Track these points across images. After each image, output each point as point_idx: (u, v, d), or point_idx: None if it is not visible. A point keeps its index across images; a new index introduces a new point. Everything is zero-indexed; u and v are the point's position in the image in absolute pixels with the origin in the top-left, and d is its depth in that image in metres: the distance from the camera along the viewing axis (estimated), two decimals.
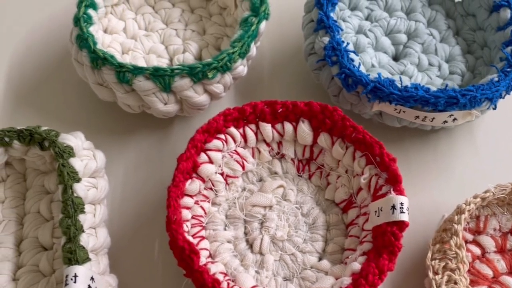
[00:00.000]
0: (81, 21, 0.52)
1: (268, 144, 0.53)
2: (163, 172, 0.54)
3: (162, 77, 0.49)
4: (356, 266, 0.44)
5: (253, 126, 0.52)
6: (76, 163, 0.46)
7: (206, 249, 0.47)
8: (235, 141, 0.51)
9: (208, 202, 0.50)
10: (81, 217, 0.44)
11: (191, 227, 0.48)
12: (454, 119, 0.51)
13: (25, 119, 0.57)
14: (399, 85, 0.50)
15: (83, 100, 0.58)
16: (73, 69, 0.58)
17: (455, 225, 0.46)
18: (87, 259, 0.42)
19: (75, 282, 0.41)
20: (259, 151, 0.53)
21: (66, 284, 0.41)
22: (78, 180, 0.46)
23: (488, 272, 0.47)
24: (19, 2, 0.65)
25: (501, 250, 0.48)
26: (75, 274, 0.41)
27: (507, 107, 0.57)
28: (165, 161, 0.55)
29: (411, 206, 0.47)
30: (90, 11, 0.54)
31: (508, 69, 0.52)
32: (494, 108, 0.52)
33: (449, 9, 0.61)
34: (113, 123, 0.56)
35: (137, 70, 0.49)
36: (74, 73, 0.58)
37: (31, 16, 0.64)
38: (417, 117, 0.51)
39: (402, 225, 0.44)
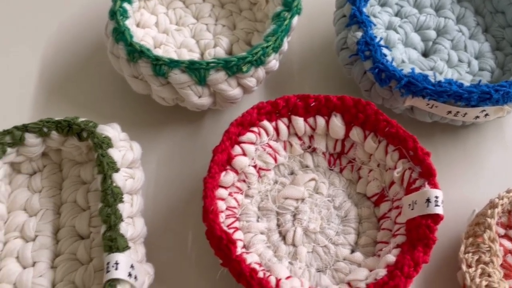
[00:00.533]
0: (117, 14, 0.53)
1: (299, 138, 0.53)
2: (195, 164, 0.55)
3: (197, 70, 0.50)
4: (391, 258, 0.45)
5: (285, 120, 0.52)
6: (114, 153, 0.47)
7: (240, 240, 0.48)
8: (268, 134, 0.52)
9: (241, 194, 0.51)
10: (120, 206, 0.45)
11: (225, 218, 0.48)
12: (486, 115, 0.51)
13: (59, 112, 0.58)
14: (433, 80, 0.50)
15: (115, 93, 0.59)
16: (105, 63, 0.59)
17: (488, 219, 0.46)
18: (127, 247, 0.43)
19: (116, 269, 0.41)
20: (291, 145, 0.53)
21: (108, 271, 0.41)
22: (117, 170, 0.47)
23: None
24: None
25: None
26: (116, 261, 0.42)
27: None
28: (197, 154, 0.56)
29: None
30: (125, 5, 0.55)
31: None
32: None
33: (478, 6, 0.62)
34: (145, 116, 0.57)
35: (173, 63, 0.50)
36: (106, 66, 0.60)
37: (63, 10, 0.65)
38: (449, 112, 0.51)
39: (437, 218, 0.45)
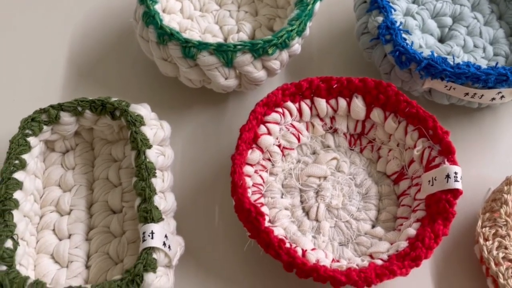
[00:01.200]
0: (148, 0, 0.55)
1: (321, 119, 0.55)
2: (220, 144, 0.57)
3: (225, 53, 0.52)
4: (412, 231, 0.47)
5: (308, 101, 0.54)
6: (147, 131, 0.49)
7: (266, 214, 0.50)
8: (291, 115, 0.54)
9: (266, 172, 0.53)
10: (153, 181, 0.47)
11: (252, 194, 0.50)
12: (502, 97, 0.53)
13: (88, 95, 0.59)
14: (451, 63, 0.52)
15: (142, 76, 0.61)
16: (132, 48, 0.62)
17: (505, 195, 0.48)
18: (161, 218, 0.45)
19: (152, 238, 0.44)
20: (313, 125, 0.55)
21: (144, 240, 0.44)
22: (150, 146, 0.49)
23: None
24: None
25: None
26: (152, 231, 0.44)
27: None
28: (221, 135, 0.58)
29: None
30: None
31: None
32: None
33: None
34: (172, 98, 0.59)
35: (202, 46, 0.52)
36: (133, 51, 0.62)
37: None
38: (467, 94, 0.53)
39: (456, 193, 0.47)
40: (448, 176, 0.47)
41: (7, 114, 0.57)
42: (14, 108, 0.58)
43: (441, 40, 0.61)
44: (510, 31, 0.62)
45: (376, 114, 0.53)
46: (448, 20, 0.62)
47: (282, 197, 0.52)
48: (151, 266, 0.42)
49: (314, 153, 0.55)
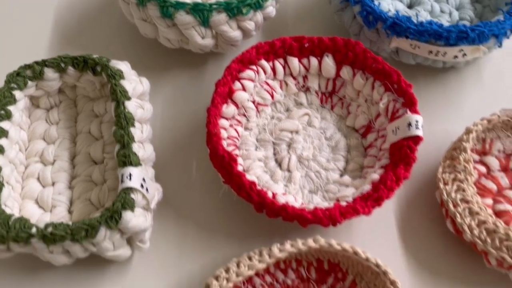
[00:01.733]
0: None
1: (294, 78, 0.58)
2: (198, 103, 0.59)
3: (201, 12, 0.54)
4: (375, 176, 0.49)
5: (281, 60, 0.57)
6: (126, 84, 0.52)
7: (240, 164, 0.52)
8: (265, 73, 0.56)
9: (241, 126, 0.56)
10: (132, 130, 0.49)
11: (227, 146, 0.53)
12: (464, 54, 0.56)
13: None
14: (415, 21, 0.55)
15: (124, 40, 0.63)
16: (114, 14, 0.64)
17: (464, 143, 0.51)
18: (139, 163, 0.48)
19: (130, 179, 0.46)
20: (287, 84, 0.58)
21: (123, 181, 0.46)
22: (129, 98, 0.51)
23: (493, 187, 0.52)
24: None
25: (504, 169, 0.53)
26: (130, 173, 0.46)
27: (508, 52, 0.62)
28: (200, 95, 0.60)
29: (424, 134, 0.52)
30: None
31: None
32: (500, 46, 0.57)
33: None
34: (152, 60, 0.61)
35: (179, 5, 0.54)
36: (115, 16, 0.64)
37: None
38: (431, 52, 0.56)
39: (417, 139, 0.50)
40: (409, 125, 0.50)
41: None
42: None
43: (410, 6, 0.64)
44: None
45: (346, 71, 0.56)
46: None
47: (256, 150, 0.55)
48: (129, 205, 0.45)
49: (287, 110, 0.58)
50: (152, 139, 0.53)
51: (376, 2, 0.58)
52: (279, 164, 0.54)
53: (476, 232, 0.47)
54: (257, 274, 0.47)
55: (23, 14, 0.66)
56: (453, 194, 0.49)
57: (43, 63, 0.53)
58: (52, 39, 0.63)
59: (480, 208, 0.48)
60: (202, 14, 0.54)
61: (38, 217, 0.49)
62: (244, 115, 0.56)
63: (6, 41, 0.64)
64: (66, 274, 0.49)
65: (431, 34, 0.54)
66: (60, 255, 0.46)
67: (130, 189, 0.46)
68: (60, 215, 0.50)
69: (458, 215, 0.48)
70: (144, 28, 0.57)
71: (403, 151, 0.49)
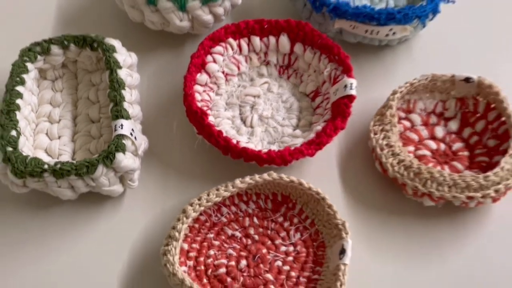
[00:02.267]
0: None
1: (257, 53, 0.69)
2: (178, 77, 0.69)
3: None
4: (319, 127, 0.61)
5: (246, 39, 0.68)
6: (118, 56, 0.63)
7: (212, 121, 0.63)
8: (232, 49, 0.68)
9: (213, 92, 0.67)
10: (123, 92, 0.60)
11: (201, 107, 0.64)
12: (394, 33, 0.68)
13: None
14: (352, 5, 0.67)
15: (116, 23, 0.74)
16: (108, 2, 0.75)
17: (390, 102, 0.63)
18: (129, 117, 0.59)
19: (122, 128, 0.57)
20: (250, 59, 0.69)
21: (115, 130, 0.57)
22: (120, 67, 0.62)
23: (415, 137, 0.64)
24: None
25: (425, 124, 0.65)
26: (122, 124, 0.57)
27: (437, 29, 0.74)
28: (180, 70, 0.69)
29: (362, 102, 0.65)
30: None
31: None
32: (424, 26, 0.69)
33: None
34: (139, 41, 0.72)
35: None
36: (108, 2, 0.75)
37: None
38: (367, 31, 0.67)
39: (351, 97, 0.61)
40: (346, 86, 0.62)
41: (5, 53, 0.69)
42: (10, 49, 0.70)
43: None
44: None
45: (298, 47, 0.68)
46: None
47: (225, 111, 0.66)
48: (121, 148, 0.56)
49: (251, 80, 0.69)
50: (140, 103, 0.65)
51: None
52: (244, 122, 0.66)
53: (396, 168, 0.59)
54: (224, 204, 0.58)
55: (32, 2, 0.77)
56: (380, 141, 0.61)
57: (50, 41, 0.64)
58: (55, 21, 0.75)
59: (400, 150, 0.59)
60: (180, 1, 0.66)
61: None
62: (215, 83, 0.67)
63: (16, 22, 0.75)
64: (71, 209, 0.60)
65: (365, 15, 0.66)
66: (66, 189, 0.57)
67: (122, 136, 0.57)
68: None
69: (383, 156, 0.60)
70: (132, 13, 0.69)
71: (341, 107, 0.61)
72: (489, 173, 0.57)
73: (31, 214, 0.60)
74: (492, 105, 0.64)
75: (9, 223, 0.59)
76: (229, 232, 0.58)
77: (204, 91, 0.66)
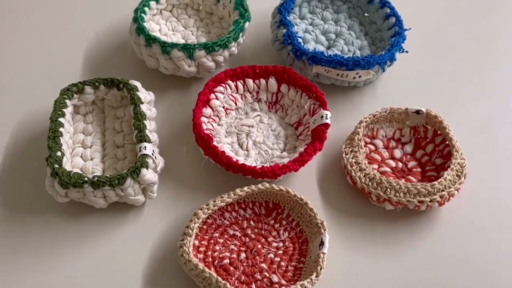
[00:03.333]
0: (139, 19, 0.83)
1: (250, 92, 0.83)
2: (187, 112, 0.83)
3: (188, 49, 0.80)
4: (301, 149, 0.74)
5: (241, 81, 0.82)
6: (140, 94, 0.76)
7: (216, 146, 0.76)
8: (231, 89, 0.82)
9: (215, 123, 0.80)
10: (144, 122, 0.74)
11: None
12: (359, 76, 0.82)
13: None
14: (326, 54, 0.81)
15: (135, 70, 0.88)
16: (127, 49, 0.89)
17: (357, 129, 0.77)
18: (150, 141, 0.72)
19: (145, 149, 0.70)
20: (245, 97, 0.83)
21: (140, 151, 0.70)
22: (142, 103, 0.75)
23: (378, 157, 0.78)
24: (87, 12, 0.96)
25: (386, 147, 0.79)
26: (145, 146, 0.70)
27: (395, 75, 0.89)
28: (188, 106, 0.83)
29: (335, 130, 0.78)
30: (143, 15, 0.85)
31: (391, 49, 0.84)
32: (383, 71, 0.84)
33: (362, 20, 0.94)
34: (155, 84, 0.86)
35: (174, 45, 0.80)
36: (128, 54, 0.89)
37: (97, 20, 0.95)
38: (338, 74, 0.82)
39: (327, 125, 0.75)
40: (322, 117, 0.76)
41: (44, 91, 0.82)
42: (48, 91, 0.83)
43: (328, 48, 0.91)
44: (372, 42, 0.92)
45: (283, 87, 0.82)
46: (333, 36, 0.91)
47: (225, 137, 0.80)
48: (145, 164, 0.68)
49: (246, 113, 0.83)
50: (156, 131, 0.78)
51: (300, 40, 0.85)
52: (241, 146, 0.79)
53: (363, 180, 0.72)
54: (227, 210, 0.71)
55: (66, 52, 0.90)
56: (350, 160, 0.74)
57: (84, 82, 0.78)
58: (85, 67, 0.88)
59: (366, 166, 0.73)
60: (188, 51, 0.80)
61: None
62: (217, 116, 0.81)
63: (50, 67, 0.88)
64: (102, 216, 0.72)
65: (337, 62, 0.80)
66: (100, 199, 0.69)
67: (145, 155, 0.69)
68: None
69: (353, 171, 0.73)
70: (149, 61, 0.83)
71: (318, 133, 0.75)
72: (434, 182, 0.70)
73: (70, 220, 0.71)
74: (438, 132, 0.78)
75: (52, 227, 0.71)
76: (231, 232, 0.70)
77: (209, 122, 0.79)
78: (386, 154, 0.78)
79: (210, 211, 0.68)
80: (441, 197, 0.70)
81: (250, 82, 0.82)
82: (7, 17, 0.96)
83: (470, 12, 1.02)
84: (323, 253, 0.65)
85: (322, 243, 0.66)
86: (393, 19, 0.89)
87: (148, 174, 0.69)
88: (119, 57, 0.91)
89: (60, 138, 0.71)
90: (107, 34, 0.94)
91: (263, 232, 0.70)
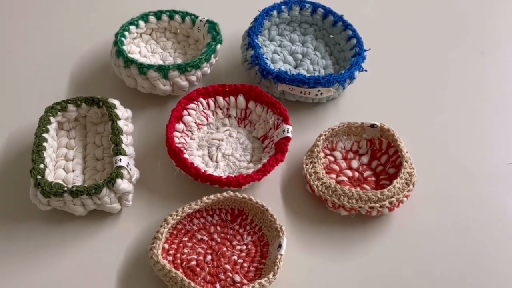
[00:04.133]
0: (118, 43, 0.89)
1: (221, 108, 0.89)
2: (161, 126, 0.88)
3: (162, 70, 0.85)
4: (265, 160, 0.80)
5: (212, 98, 0.88)
6: (118, 111, 0.82)
7: (186, 158, 0.82)
8: (202, 106, 0.87)
9: (188, 137, 0.86)
10: (121, 137, 0.79)
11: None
12: (321, 93, 0.88)
13: None
14: (290, 73, 0.87)
15: (115, 88, 0.93)
16: (109, 70, 0.95)
17: (317, 142, 0.82)
18: (125, 154, 0.77)
19: (120, 162, 0.75)
20: (216, 113, 0.89)
21: (116, 163, 0.75)
22: (119, 119, 0.81)
23: (336, 168, 0.83)
24: (73, 35, 1.02)
25: (344, 158, 0.85)
26: (120, 158, 0.76)
27: (356, 92, 0.95)
28: (163, 122, 0.89)
29: (299, 144, 0.84)
30: (122, 39, 0.91)
31: (350, 69, 0.90)
32: (343, 88, 0.90)
33: (327, 41, 1.00)
34: (132, 101, 0.91)
35: (149, 66, 0.86)
36: (109, 74, 0.95)
37: (82, 42, 1.01)
38: (301, 91, 0.88)
39: (288, 138, 0.81)
40: (284, 131, 0.81)
41: (31, 109, 0.88)
42: (35, 108, 0.89)
43: (296, 67, 0.97)
44: (336, 61, 0.98)
45: (251, 104, 0.87)
46: (300, 56, 0.97)
47: (197, 150, 0.85)
48: (120, 175, 0.74)
49: (217, 128, 0.89)
50: (133, 145, 0.83)
51: (268, 62, 0.91)
52: (211, 158, 0.84)
53: (320, 188, 0.77)
54: (195, 217, 0.76)
55: (53, 72, 0.96)
56: (309, 170, 0.80)
57: (67, 101, 0.83)
58: (69, 85, 0.94)
59: (323, 176, 0.78)
60: (163, 71, 0.86)
61: None
62: (190, 131, 0.86)
63: (37, 86, 0.94)
64: (81, 223, 0.77)
65: (299, 80, 0.86)
66: (79, 207, 0.74)
67: (120, 167, 0.75)
68: None
69: (311, 180, 0.78)
70: (128, 81, 0.88)
71: (280, 146, 0.80)
72: (384, 190, 0.76)
73: (52, 226, 0.77)
74: (392, 144, 0.84)
75: (36, 233, 0.76)
76: (199, 236, 0.75)
77: (181, 136, 0.85)
78: (344, 164, 0.84)
79: (179, 217, 0.73)
80: (390, 203, 0.75)
81: (220, 99, 0.88)
82: None
83: (425, 30, 1.09)
84: (281, 255, 0.70)
85: (279, 246, 0.71)
86: (354, 40, 0.95)
87: (123, 184, 0.74)
88: (102, 77, 0.96)
89: (44, 152, 0.77)
90: (91, 55, 1.00)
91: (228, 236, 0.75)
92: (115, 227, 0.77)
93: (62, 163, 0.81)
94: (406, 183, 0.78)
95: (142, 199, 0.80)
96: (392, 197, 0.76)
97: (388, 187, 0.76)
